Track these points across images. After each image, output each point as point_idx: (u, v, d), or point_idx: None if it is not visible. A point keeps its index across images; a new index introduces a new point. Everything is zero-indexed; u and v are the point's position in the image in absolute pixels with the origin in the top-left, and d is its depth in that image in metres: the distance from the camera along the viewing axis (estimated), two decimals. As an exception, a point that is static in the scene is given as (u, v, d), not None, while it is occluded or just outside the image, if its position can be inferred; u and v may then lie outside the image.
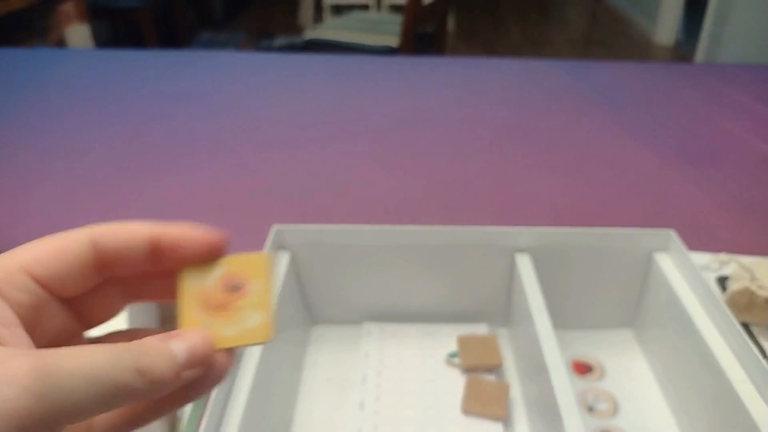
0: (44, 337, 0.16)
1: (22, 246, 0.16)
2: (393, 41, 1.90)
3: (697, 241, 0.39)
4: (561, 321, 0.39)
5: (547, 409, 0.33)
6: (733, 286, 0.44)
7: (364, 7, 2.98)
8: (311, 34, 2.06)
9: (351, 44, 1.94)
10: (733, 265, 0.48)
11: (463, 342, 0.41)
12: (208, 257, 0.17)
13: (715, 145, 0.74)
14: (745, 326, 0.44)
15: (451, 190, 0.65)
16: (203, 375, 0.16)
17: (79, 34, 2.36)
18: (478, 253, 0.42)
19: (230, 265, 0.18)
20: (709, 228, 0.58)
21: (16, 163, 0.71)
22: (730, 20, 2.44)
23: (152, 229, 0.17)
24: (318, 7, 3.30)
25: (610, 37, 3.40)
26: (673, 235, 0.41)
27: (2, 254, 0.15)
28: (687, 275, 0.39)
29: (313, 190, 0.64)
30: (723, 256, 0.51)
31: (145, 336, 0.15)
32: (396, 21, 2.05)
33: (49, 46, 2.27)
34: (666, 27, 3.15)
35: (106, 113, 0.83)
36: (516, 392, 0.40)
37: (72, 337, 0.17)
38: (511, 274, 0.43)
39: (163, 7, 2.81)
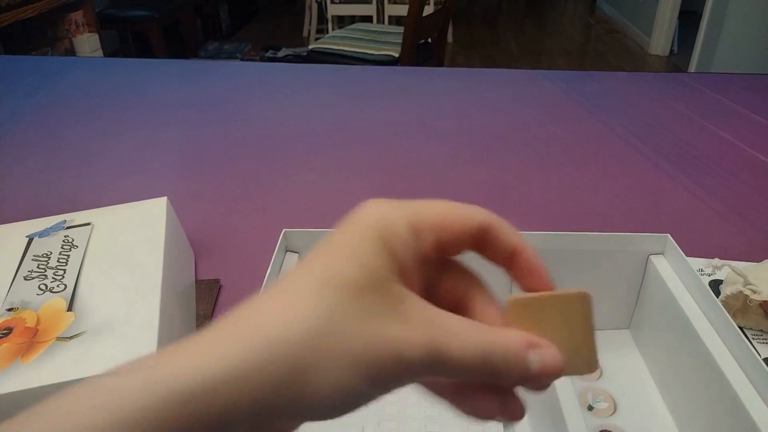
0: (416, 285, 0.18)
1: (438, 205, 0.18)
2: (394, 52, 1.93)
3: (690, 247, 0.40)
4: (561, 321, 0.40)
5: (548, 409, 0.34)
6: (727, 290, 0.45)
7: (367, 19, 3.02)
8: (315, 44, 2.09)
9: (353, 55, 1.97)
10: (726, 269, 0.49)
11: None
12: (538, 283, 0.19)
13: (708, 153, 0.76)
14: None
15: (450, 196, 0.66)
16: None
17: (88, 43, 2.39)
18: (477, 258, 0.43)
19: (554, 301, 0.19)
20: (703, 234, 0.59)
21: (26, 169, 0.72)
22: (724, 31, 2.48)
23: (519, 240, 0.19)
24: (322, 19, 3.34)
25: (605, 48, 3.45)
26: (669, 239, 0.42)
27: (422, 205, 0.18)
28: (684, 278, 0.40)
29: (319, 195, 0.66)
30: (716, 261, 0.52)
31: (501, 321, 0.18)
32: (397, 32, 2.08)
33: (58, 55, 2.29)
34: (660, 37, 3.20)
35: (115, 121, 0.85)
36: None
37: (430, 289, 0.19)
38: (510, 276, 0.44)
39: (171, 18, 2.85)
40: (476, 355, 0.16)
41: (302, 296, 0.15)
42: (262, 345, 0.14)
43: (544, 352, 0.17)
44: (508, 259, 0.19)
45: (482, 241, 0.19)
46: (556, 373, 0.17)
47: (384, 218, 0.17)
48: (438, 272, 0.19)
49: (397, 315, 0.15)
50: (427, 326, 0.16)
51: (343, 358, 0.15)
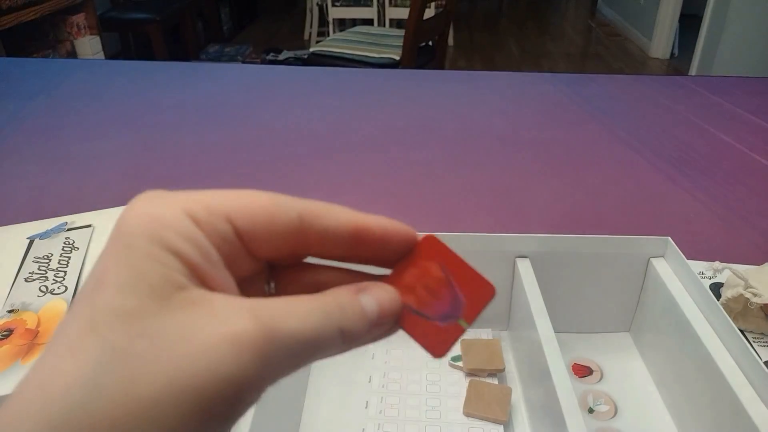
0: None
1: (233, 192, 0.15)
2: (395, 55, 1.93)
3: (691, 250, 0.40)
4: (561, 325, 0.40)
5: (549, 411, 0.34)
6: (728, 293, 0.45)
7: (368, 22, 3.03)
8: (316, 47, 2.10)
9: (354, 57, 1.98)
10: (727, 272, 0.49)
11: (467, 346, 0.43)
12: (405, 252, 0.17)
13: (709, 156, 0.76)
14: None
15: (450, 198, 0.67)
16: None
17: (89, 45, 2.39)
18: (480, 259, 0.43)
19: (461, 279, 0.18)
20: (703, 237, 0.59)
21: (27, 171, 0.72)
22: (724, 34, 2.48)
23: (357, 218, 0.16)
24: (323, 22, 3.35)
25: (606, 51, 3.45)
26: (670, 242, 0.42)
27: (209, 192, 0.15)
28: (684, 280, 0.40)
29: (319, 197, 0.66)
30: (717, 264, 0.52)
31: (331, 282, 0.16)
32: (398, 35, 2.09)
33: (60, 57, 2.30)
34: (661, 41, 3.20)
35: (116, 123, 0.85)
36: (517, 395, 0.41)
37: (253, 285, 0.16)
38: (512, 279, 0.44)
39: (172, 20, 2.86)
40: (315, 322, 0.14)
41: (68, 349, 0.12)
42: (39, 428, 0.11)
43: (375, 292, 0.16)
44: (356, 245, 0.16)
45: (315, 238, 0.16)
46: (396, 307, 0.16)
47: (155, 216, 0.14)
48: (297, 272, 0.17)
49: (202, 323, 0.12)
50: (248, 317, 0.13)
51: (144, 401, 0.11)
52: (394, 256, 0.17)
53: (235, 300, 0.13)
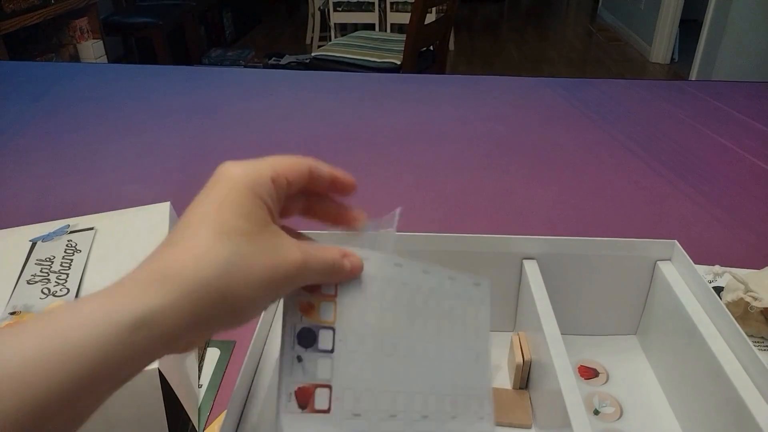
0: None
1: (284, 158, 0.24)
2: (396, 59, 1.94)
3: (691, 254, 0.40)
4: (567, 327, 0.40)
5: (554, 412, 0.34)
6: (728, 297, 0.45)
7: (369, 26, 3.04)
8: (317, 52, 2.10)
9: (355, 62, 1.98)
10: (727, 276, 0.49)
11: (492, 394, 0.40)
12: (347, 192, 0.27)
13: (709, 160, 0.76)
14: (743, 335, 0.45)
15: (451, 202, 0.67)
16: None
17: (92, 49, 2.40)
18: (487, 260, 0.43)
19: None
20: (703, 241, 0.59)
21: (30, 173, 0.72)
22: (724, 39, 2.49)
23: (332, 171, 0.26)
24: (324, 26, 3.37)
25: (606, 56, 3.47)
26: (677, 245, 0.42)
27: (273, 159, 0.24)
28: (691, 284, 0.40)
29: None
30: (717, 268, 0.52)
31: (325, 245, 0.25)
32: (399, 40, 2.09)
33: (63, 61, 2.31)
34: (661, 46, 3.22)
35: (118, 126, 0.85)
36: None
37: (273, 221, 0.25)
38: (519, 280, 0.44)
39: (174, 25, 2.87)
40: (324, 265, 0.24)
41: (208, 244, 0.20)
42: (189, 284, 0.19)
43: (352, 258, 0.25)
44: (332, 187, 0.26)
45: (312, 178, 0.25)
46: (360, 269, 0.25)
47: (248, 174, 0.22)
48: (311, 202, 0.27)
49: (280, 247, 0.22)
50: (297, 251, 0.23)
51: (252, 283, 0.21)
52: (349, 190, 0.27)
53: (290, 238, 0.23)
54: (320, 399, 0.23)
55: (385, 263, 0.27)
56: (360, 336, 0.25)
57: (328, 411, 0.23)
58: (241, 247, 0.21)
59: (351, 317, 0.25)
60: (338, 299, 0.25)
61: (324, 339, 0.24)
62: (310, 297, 0.25)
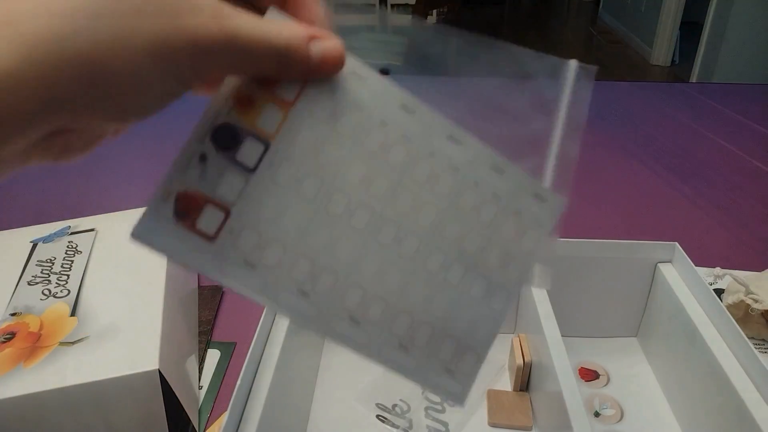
0: None
1: None
2: (397, 61, 1.94)
3: (692, 256, 0.40)
4: (567, 329, 0.40)
5: (555, 414, 0.34)
6: (729, 299, 0.45)
7: (370, 29, 3.04)
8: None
9: (356, 64, 1.98)
10: (728, 279, 0.49)
11: (494, 396, 0.41)
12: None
13: (709, 162, 0.76)
14: (744, 337, 0.45)
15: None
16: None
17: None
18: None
19: None
20: (704, 243, 0.59)
21: (31, 175, 0.72)
22: (725, 41, 2.49)
23: None
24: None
25: (607, 58, 3.47)
26: (677, 248, 0.42)
27: None
28: (691, 286, 0.40)
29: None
30: (718, 271, 0.52)
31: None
32: (400, 42, 2.10)
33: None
34: (662, 48, 3.22)
35: (119, 129, 0.86)
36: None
37: None
38: (518, 283, 0.44)
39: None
40: (266, 45, 0.16)
41: None
42: (33, 40, 0.13)
43: (326, 44, 0.17)
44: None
45: None
46: (338, 61, 0.18)
47: None
48: None
49: (183, 9, 0.15)
50: (218, 16, 0.16)
51: (130, 50, 0.14)
52: None
53: (213, 3, 0.16)
54: (207, 219, 0.17)
55: (388, 96, 0.19)
56: (303, 173, 0.18)
57: (212, 238, 0.17)
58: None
59: (302, 142, 0.18)
60: (293, 110, 0.18)
61: (248, 151, 0.18)
62: (254, 90, 0.18)
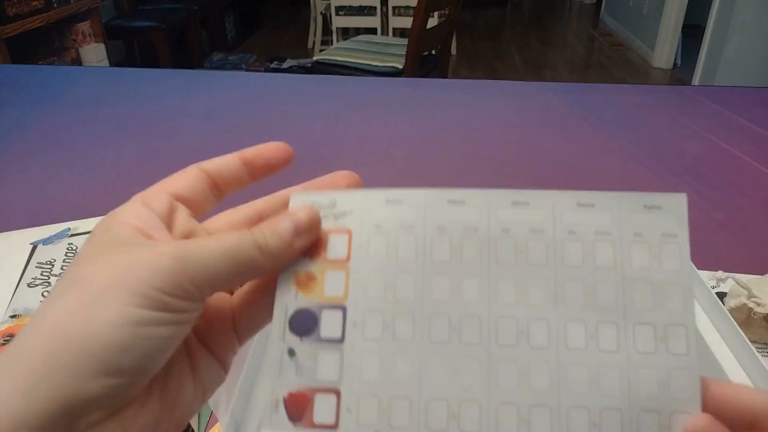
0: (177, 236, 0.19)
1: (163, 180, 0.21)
2: (398, 64, 1.95)
3: (694, 259, 0.40)
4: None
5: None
6: (731, 303, 0.44)
7: (371, 31, 3.05)
8: (319, 56, 2.11)
9: (357, 66, 1.99)
10: (730, 282, 0.49)
11: None
12: (286, 164, 0.22)
13: (712, 166, 0.76)
14: (747, 341, 0.44)
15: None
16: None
17: (94, 53, 2.41)
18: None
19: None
20: (706, 247, 0.59)
21: (31, 177, 0.72)
22: (727, 44, 2.49)
23: (241, 152, 0.22)
24: (326, 30, 3.38)
25: (608, 61, 3.47)
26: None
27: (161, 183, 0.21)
28: (695, 290, 0.40)
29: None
30: (720, 274, 0.52)
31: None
32: (401, 44, 2.10)
33: (65, 64, 2.32)
34: (664, 51, 3.22)
35: (120, 130, 0.86)
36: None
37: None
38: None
39: (177, 29, 2.88)
40: (224, 248, 0.17)
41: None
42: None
43: (291, 213, 0.19)
44: (248, 169, 0.23)
45: (247, 164, 0.22)
46: (315, 219, 0.19)
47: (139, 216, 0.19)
48: None
49: (143, 245, 0.17)
50: (173, 243, 0.17)
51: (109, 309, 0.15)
52: (280, 164, 0.22)
53: (170, 238, 0.18)
54: (322, 409, 0.17)
55: (432, 199, 0.18)
56: (389, 316, 0.17)
57: (334, 427, 0.17)
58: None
59: (374, 288, 0.17)
60: (351, 263, 0.17)
61: (329, 323, 0.17)
62: (308, 265, 0.18)
